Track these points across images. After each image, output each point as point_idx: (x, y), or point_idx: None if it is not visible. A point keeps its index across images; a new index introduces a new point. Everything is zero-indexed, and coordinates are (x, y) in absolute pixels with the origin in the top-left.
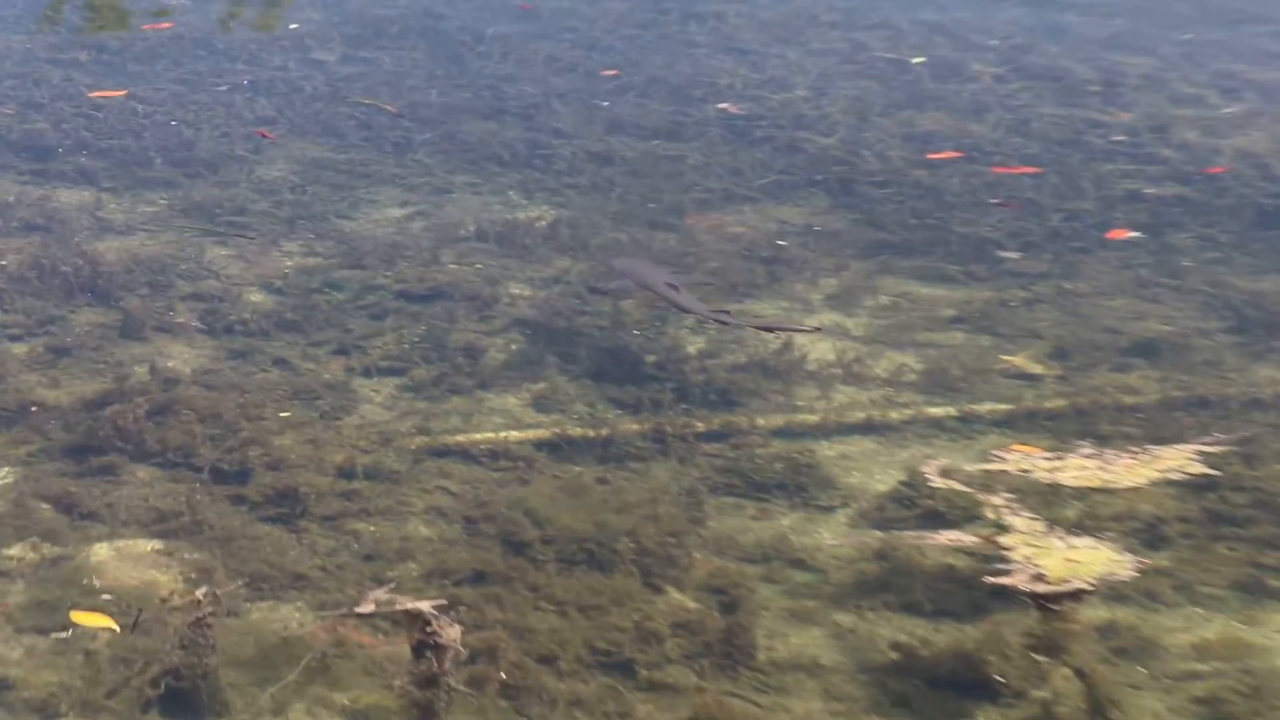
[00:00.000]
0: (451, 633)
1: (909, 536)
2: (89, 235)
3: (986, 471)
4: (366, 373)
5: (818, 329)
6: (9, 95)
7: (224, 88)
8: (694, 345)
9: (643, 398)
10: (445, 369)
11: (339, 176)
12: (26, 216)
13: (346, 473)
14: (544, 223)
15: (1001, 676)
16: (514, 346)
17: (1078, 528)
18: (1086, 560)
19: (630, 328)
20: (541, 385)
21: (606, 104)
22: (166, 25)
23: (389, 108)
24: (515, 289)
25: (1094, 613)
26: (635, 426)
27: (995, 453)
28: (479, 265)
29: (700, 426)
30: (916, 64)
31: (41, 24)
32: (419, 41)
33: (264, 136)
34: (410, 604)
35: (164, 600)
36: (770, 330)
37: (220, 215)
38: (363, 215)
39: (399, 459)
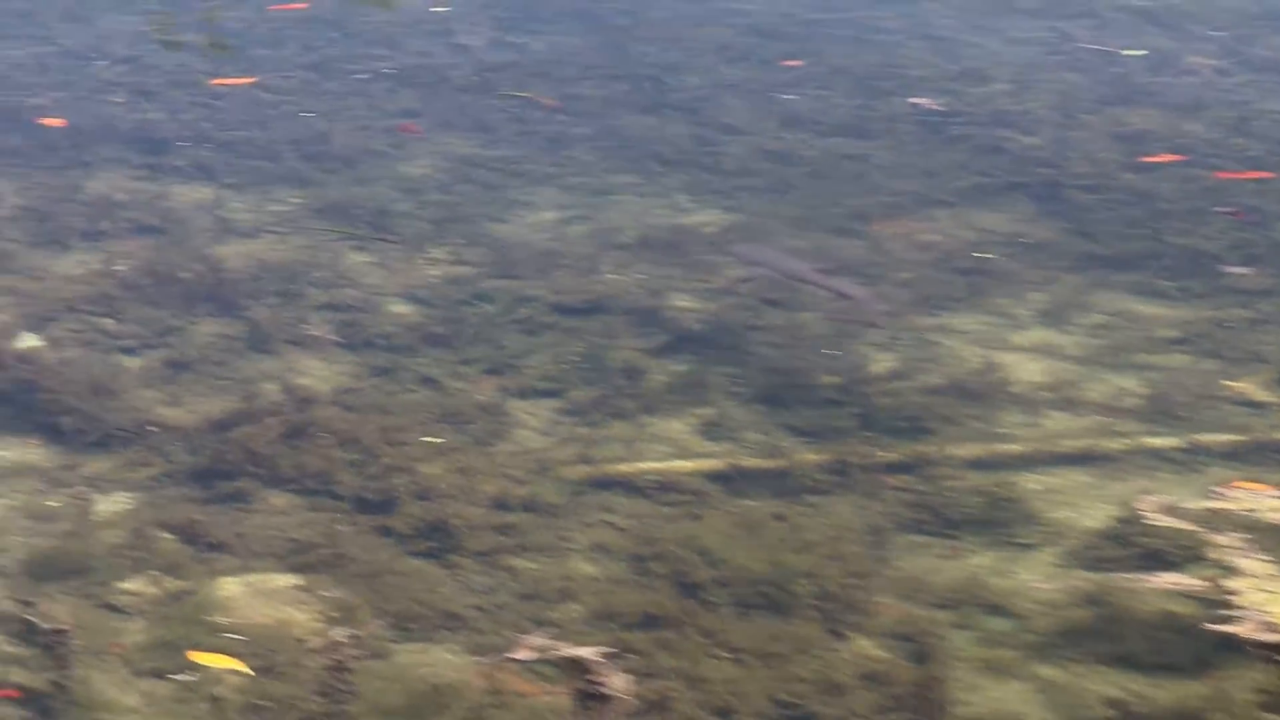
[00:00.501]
0: (619, 681)
1: (1123, 579)
2: (209, 238)
3: (1211, 509)
4: (521, 394)
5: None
6: (119, 83)
7: (365, 75)
8: (880, 364)
9: (823, 424)
10: (606, 391)
11: (489, 175)
12: (140, 217)
13: (501, 504)
14: (713, 229)
15: None
16: (680, 366)
17: None
18: None
19: (809, 344)
20: (710, 410)
21: (791, 97)
22: (298, 5)
23: (545, 100)
24: (681, 302)
25: None
26: (814, 456)
27: (1220, 489)
28: (641, 275)
29: (887, 456)
30: (1130, 57)
31: (153, 3)
32: (574, 26)
33: (408, 131)
34: (573, 649)
35: (300, 641)
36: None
37: (359, 217)
38: (515, 219)
39: (558, 490)
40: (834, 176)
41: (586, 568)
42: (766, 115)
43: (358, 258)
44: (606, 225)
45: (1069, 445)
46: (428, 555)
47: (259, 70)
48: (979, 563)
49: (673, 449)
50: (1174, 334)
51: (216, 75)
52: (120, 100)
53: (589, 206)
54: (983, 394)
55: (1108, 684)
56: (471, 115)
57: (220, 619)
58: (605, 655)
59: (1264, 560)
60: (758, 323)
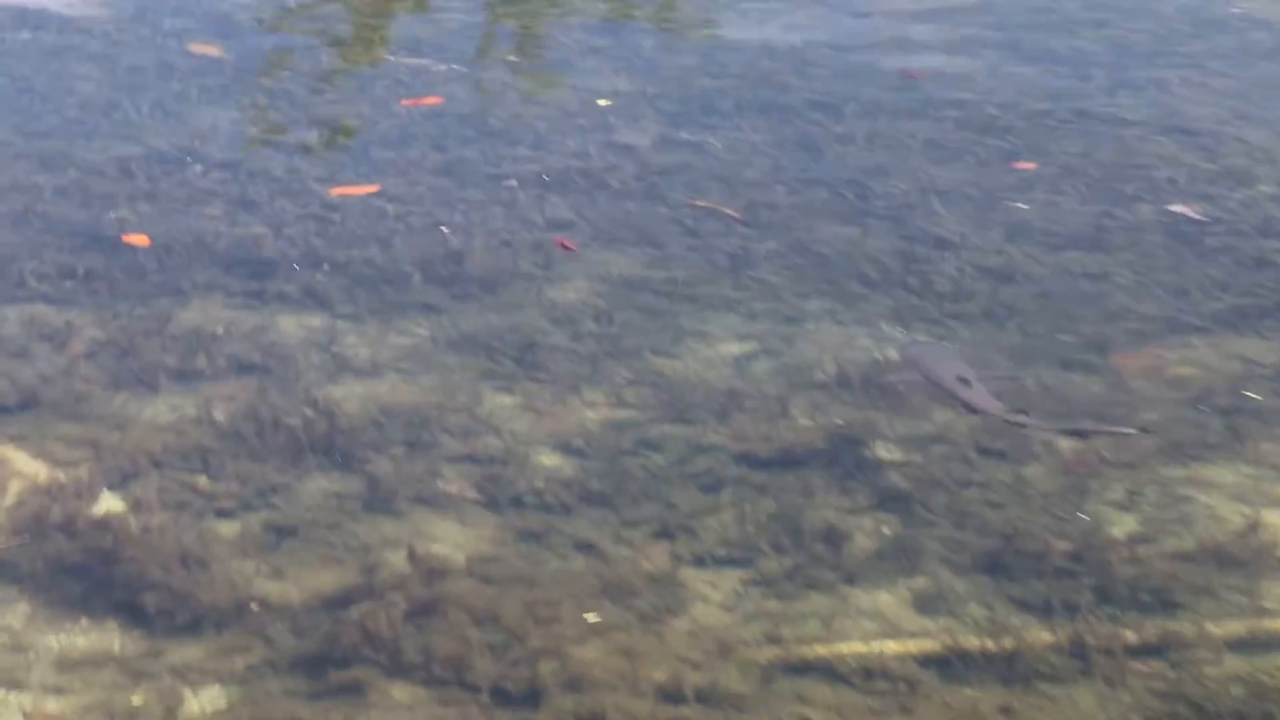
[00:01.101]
0: None
1: None
2: (322, 377)
3: None
4: (697, 561)
5: (1144, 430)
6: (216, 192)
7: (508, 181)
8: (1121, 527)
9: (1055, 597)
10: (800, 558)
11: (657, 300)
12: (239, 352)
13: (672, 694)
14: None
15: None
16: (886, 529)
17: None
18: None
19: (1036, 502)
20: (923, 580)
21: (1016, 204)
22: (430, 100)
23: (727, 211)
24: (886, 452)
25: None
26: (1046, 636)
27: None
28: (840, 420)
29: (1132, 637)
30: None
31: (258, 97)
32: (758, 120)
33: (565, 247)
34: None
35: None
36: (1081, 436)
37: (500, 351)
38: (688, 352)
39: (743, 676)
40: (1067, 298)
41: None
42: (986, 225)
43: (501, 400)
44: (798, 360)
45: None
46: None
47: (382, 176)
48: None
49: (879, 627)
50: None
51: (333, 183)
52: (217, 213)
53: (777, 337)
54: (1245, 561)
55: None
56: (636, 228)
57: None
58: None
59: None
60: (976, 476)
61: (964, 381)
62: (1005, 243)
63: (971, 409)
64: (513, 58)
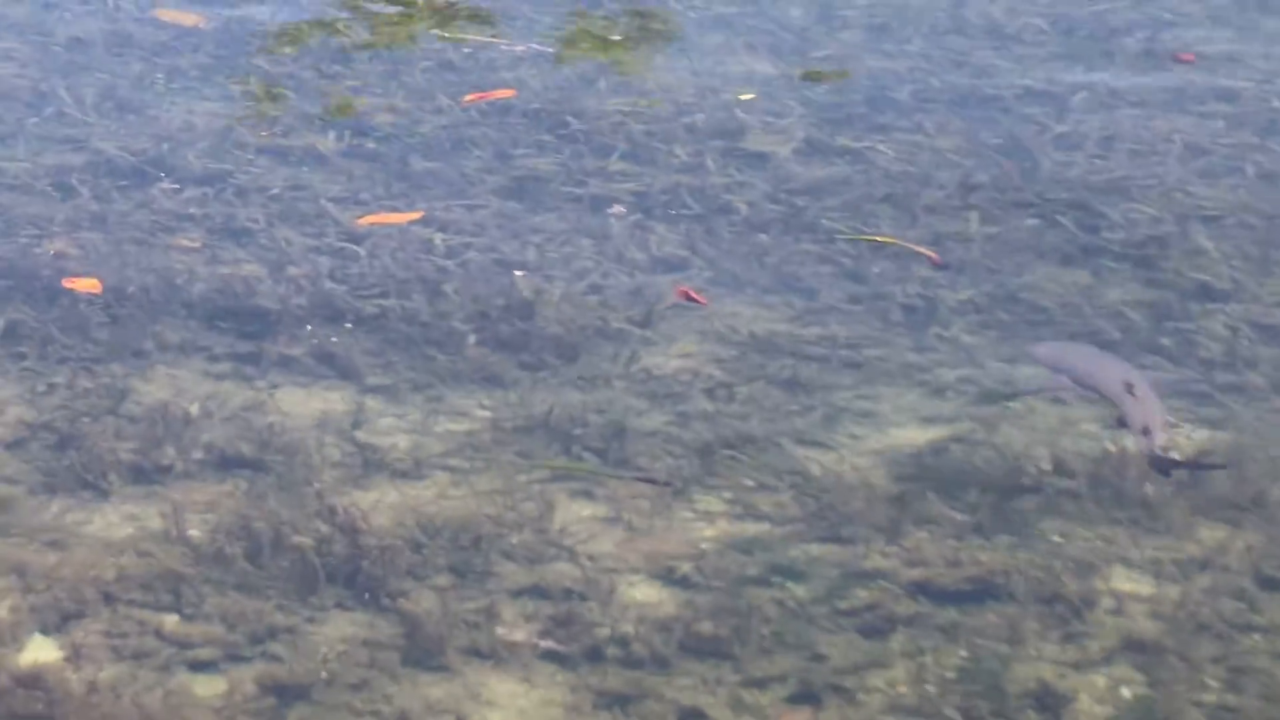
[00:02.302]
0: None
1: None
2: (340, 477)
3: None
4: None
5: None
6: (191, 216)
7: (597, 205)
8: None
9: None
10: None
11: (800, 367)
12: (224, 440)
13: None
14: (1179, 455)
15: None
16: (1126, 690)
17: None
18: None
19: None
20: None
21: None
22: (501, 94)
23: (923, 250)
24: (1126, 581)
25: None
26: None
27: None
28: (1059, 535)
29: None
30: None
31: (251, 83)
32: (948, 117)
33: (690, 299)
34: None
35: None
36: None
37: (581, 441)
38: (846, 440)
39: None
40: None
41: None
42: (1267, 266)
43: (580, 510)
44: (1003, 447)
45: None
46: None
47: (426, 197)
48: None
49: None
50: None
51: (358, 206)
52: (193, 245)
53: (974, 417)
54: None
55: None
56: (773, 269)
57: None
58: None
59: None
60: (1256, 620)
61: (1129, 389)
62: None
63: (1142, 429)
64: (613, 34)
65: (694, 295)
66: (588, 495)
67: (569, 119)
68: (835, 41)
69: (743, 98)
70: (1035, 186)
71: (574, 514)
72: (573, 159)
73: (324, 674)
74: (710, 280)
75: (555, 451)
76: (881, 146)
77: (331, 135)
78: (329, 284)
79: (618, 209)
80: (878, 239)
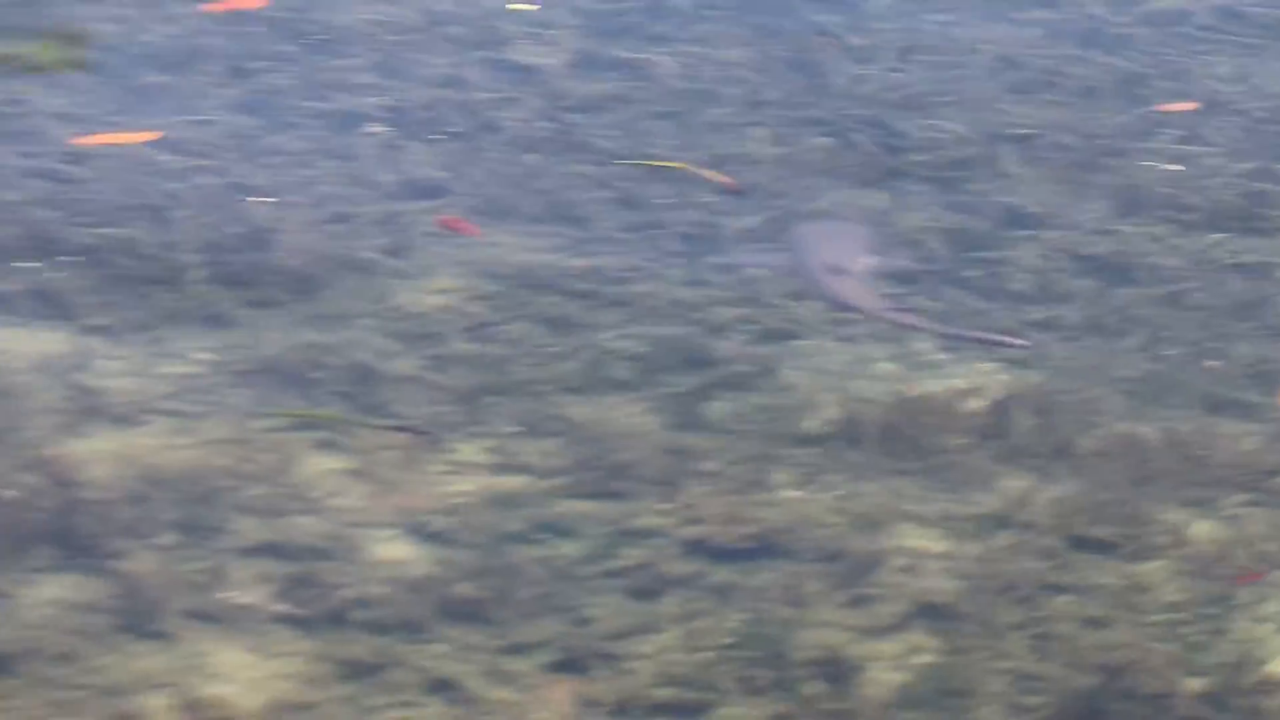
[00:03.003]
0: None
1: None
2: (55, 425)
3: None
4: (622, 712)
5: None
6: None
7: (346, 120)
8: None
9: None
10: (789, 703)
11: (571, 306)
12: None
13: None
14: (982, 401)
15: None
16: (918, 657)
17: None
18: None
19: (1156, 622)
20: None
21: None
22: (243, 3)
23: (717, 178)
24: (916, 539)
25: None
26: None
27: None
28: (842, 491)
29: None
30: None
31: None
32: (733, 27)
33: (455, 228)
34: None
35: None
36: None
37: (322, 385)
38: (617, 387)
39: None
40: (1211, 304)
41: None
42: (1083, 190)
43: (321, 461)
44: (781, 401)
45: None
46: None
47: (152, 114)
48: None
49: None
50: None
51: (77, 125)
52: None
53: (754, 361)
54: None
55: None
56: (542, 194)
57: None
58: None
59: None
60: (1061, 580)
61: (837, 271)
62: (1118, 219)
63: (845, 305)
64: None
65: (459, 224)
66: (331, 445)
67: (314, 26)
68: None
69: (514, 7)
70: (829, 102)
71: (316, 466)
72: (316, 71)
73: (29, 643)
74: (472, 208)
75: (293, 398)
76: (661, 59)
77: (43, 44)
78: (44, 212)
79: (375, 129)
80: (666, 165)
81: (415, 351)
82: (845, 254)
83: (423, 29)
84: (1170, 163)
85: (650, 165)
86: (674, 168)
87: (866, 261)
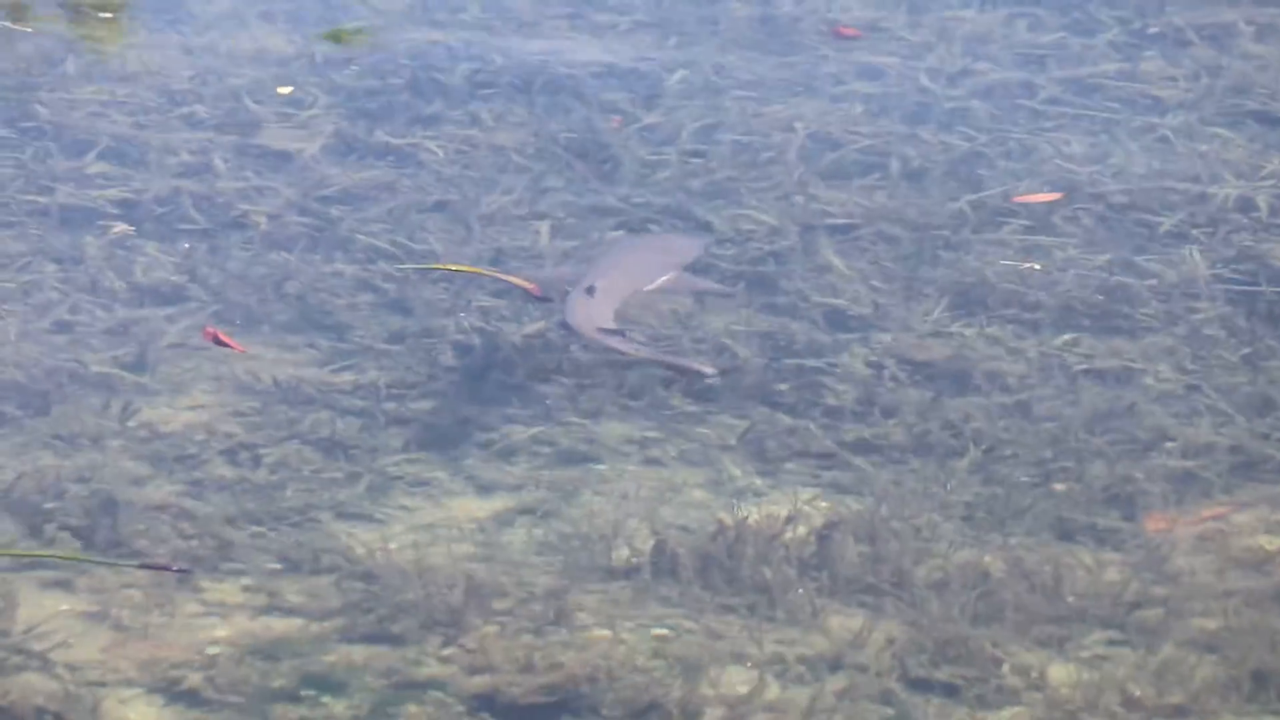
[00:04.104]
0: None
1: None
2: None
3: None
4: None
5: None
6: None
7: (116, 230)
8: None
9: None
10: None
11: (339, 427)
12: None
13: None
14: (805, 529)
15: None
16: None
17: None
18: None
19: None
20: None
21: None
22: None
23: (522, 284)
24: (740, 685)
25: None
26: None
27: None
28: (661, 631)
29: None
30: None
31: None
32: (510, 105)
33: (220, 342)
34: None
35: None
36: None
37: (57, 518)
38: (398, 515)
39: None
40: (1064, 415)
41: None
42: (913, 286)
43: (54, 603)
44: (583, 526)
45: None
46: None
47: None
48: None
49: None
50: None
51: None
52: None
53: (552, 489)
54: None
55: None
56: (298, 298)
57: None
58: None
59: None
60: None
61: (589, 291)
62: (954, 319)
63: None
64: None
65: (224, 339)
66: (64, 586)
67: (34, 108)
68: (371, 7)
69: (286, 91)
70: (620, 189)
71: (46, 609)
72: (37, 160)
73: None
74: (218, 315)
75: (19, 531)
76: (429, 143)
77: None
78: None
79: (120, 228)
80: (452, 268)
81: (166, 476)
82: (634, 273)
83: (161, 110)
84: (1015, 255)
85: (443, 269)
86: (471, 272)
87: (664, 281)
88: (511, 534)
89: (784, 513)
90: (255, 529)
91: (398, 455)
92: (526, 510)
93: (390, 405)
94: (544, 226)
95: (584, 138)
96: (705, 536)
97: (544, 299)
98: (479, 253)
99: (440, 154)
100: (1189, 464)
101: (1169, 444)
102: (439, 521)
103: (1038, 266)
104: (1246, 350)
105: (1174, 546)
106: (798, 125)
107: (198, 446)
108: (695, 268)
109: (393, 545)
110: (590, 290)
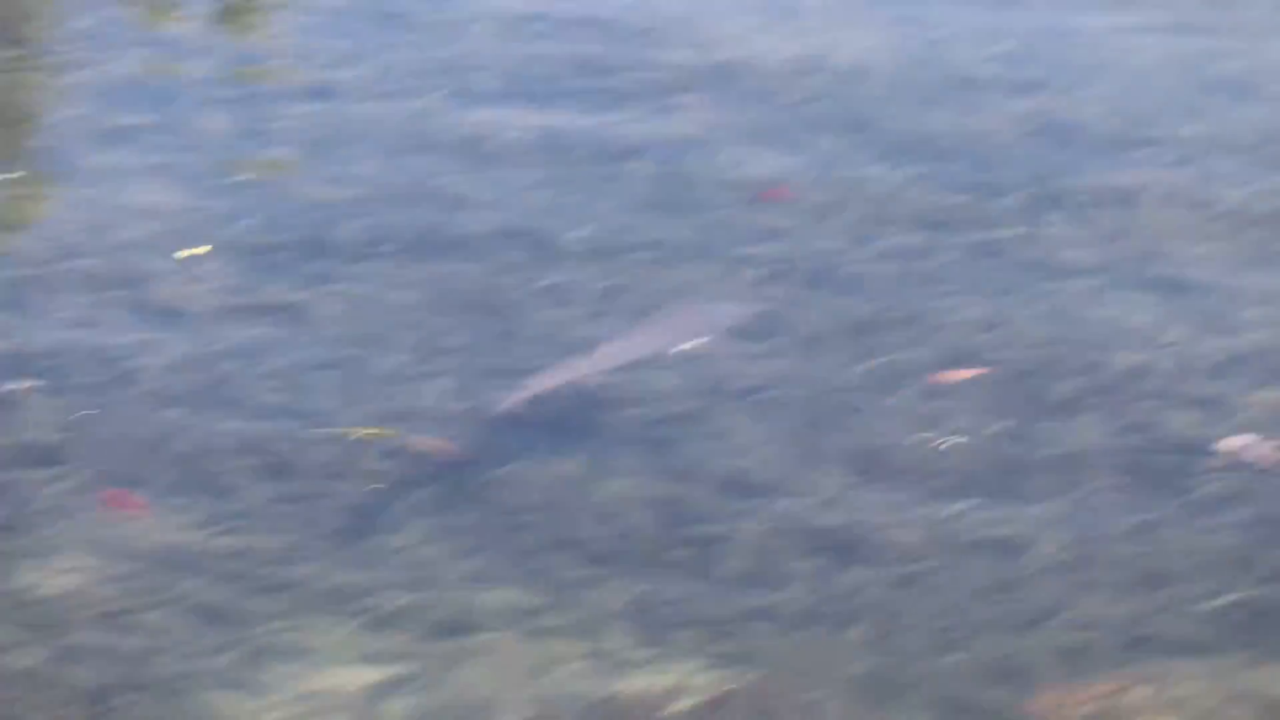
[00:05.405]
0: None
1: None
2: None
3: None
4: None
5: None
6: None
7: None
8: None
9: None
10: None
11: (216, 593)
12: None
13: None
14: (690, 701)
15: None
16: None
17: None
18: None
19: None
20: None
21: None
22: None
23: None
24: None
25: None
26: None
27: None
28: None
29: None
30: None
31: None
32: (406, 263)
33: (119, 503)
34: None
35: None
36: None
37: None
38: (270, 689)
39: None
40: (945, 586)
41: None
42: (813, 454)
43: None
44: (457, 703)
45: None
46: None
47: None
48: None
49: None
50: None
51: None
52: None
53: (428, 663)
54: None
55: None
56: (180, 459)
57: None
58: None
59: None
60: None
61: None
62: (851, 487)
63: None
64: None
65: (124, 500)
66: None
67: None
68: (265, 161)
69: (185, 255)
70: (520, 349)
71: None
72: None
73: None
74: (97, 476)
75: None
76: (322, 300)
77: None
78: None
79: (25, 385)
80: (370, 433)
81: (36, 642)
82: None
83: (49, 262)
84: (913, 422)
85: (358, 435)
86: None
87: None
88: (389, 704)
89: (668, 684)
90: (129, 696)
91: (277, 622)
92: (406, 680)
93: (272, 570)
94: (442, 387)
95: (484, 297)
96: (585, 710)
97: (460, 463)
98: (371, 414)
99: (333, 310)
100: (1078, 638)
101: (1058, 617)
102: (320, 695)
103: (956, 439)
104: (1141, 521)
105: None
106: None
107: (69, 611)
108: (739, 332)
109: (270, 717)
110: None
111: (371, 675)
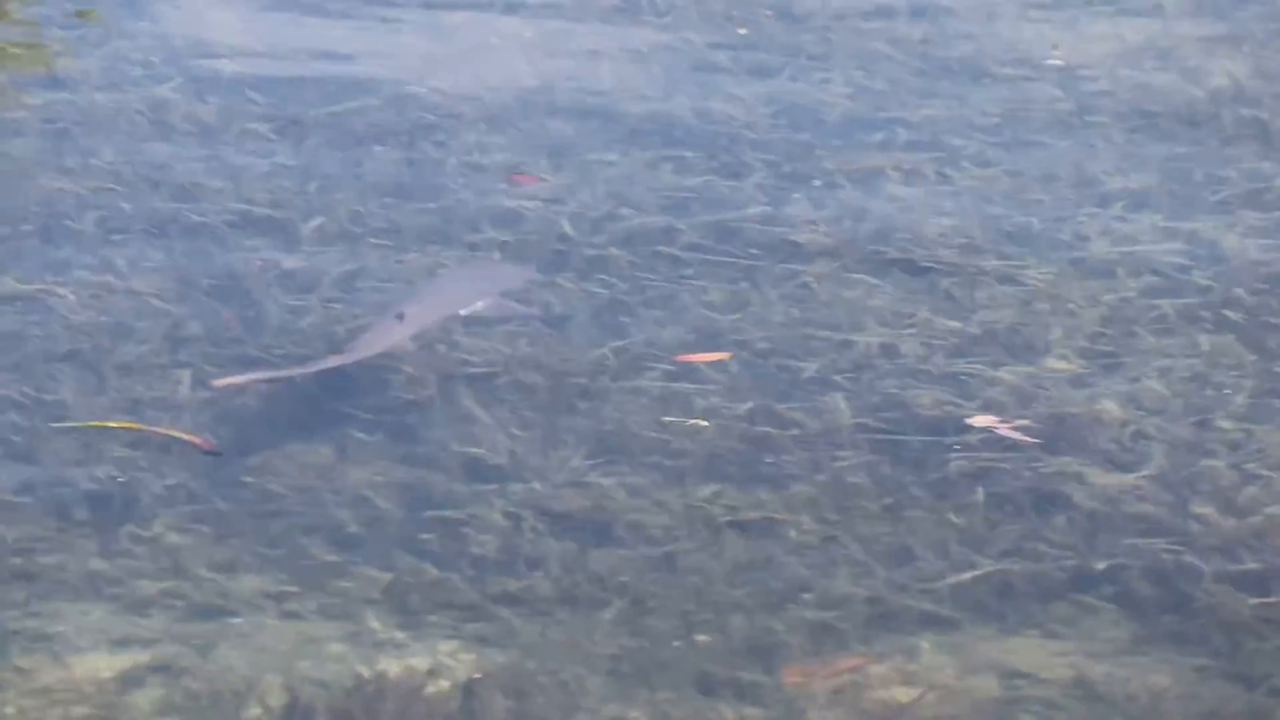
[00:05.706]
0: None
1: None
2: None
3: None
4: None
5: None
6: None
7: None
8: None
9: None
10: None
11: None
12: None
13: None
14: (446, 683)
15: None
16: None
17: None
18: None
19: None
20: None
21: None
22: None
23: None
24: None
25: None
26: None
27: None
28: None
29: None
30: None
31: None
32: (145, 251)
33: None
34: None
35: None
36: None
37: None
38: (13, 674)
39: None
40: (707, 568)
41: None
42: (552, 436)
43: None
44: (216, 682)
45: None
46: None
47: None
48: None
49: None
50: None
51: None
52: None
53: (185, 641)
54: None
55: None
56: None
57: None
58: None
59: None
60: None
61: (399, 317)
62: (594, 470)
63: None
64: None
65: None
66: None
67: None
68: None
69: None
70: (261, 338)
71: None
72: None
73: None
74: None
75: None
76: (61, 290)
77: None
78: None
79: None
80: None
81: None
82: (451, 298)
83: None
84: (656, 403)
85: (99, 427)
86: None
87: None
88: (139, 694)
89: (425, 665)
90: None
91: (18, 609)
92: (159, 668)
93: (16, 560)
94: (186, 376)
95: (225, 285)
96: (343, 691)
97: (213, 453)
98: (113, 403)
99: (72, 300)
100: (826, 615)
101: (807, 595)
102: (76, 679)
103: (704, 422)
104: (888, 500)
105: (811, 700)
106: (440, 270)
107: None
108: (516, 295)
109: (8, 710)
110: (400, 316)
111: (119, 660)
